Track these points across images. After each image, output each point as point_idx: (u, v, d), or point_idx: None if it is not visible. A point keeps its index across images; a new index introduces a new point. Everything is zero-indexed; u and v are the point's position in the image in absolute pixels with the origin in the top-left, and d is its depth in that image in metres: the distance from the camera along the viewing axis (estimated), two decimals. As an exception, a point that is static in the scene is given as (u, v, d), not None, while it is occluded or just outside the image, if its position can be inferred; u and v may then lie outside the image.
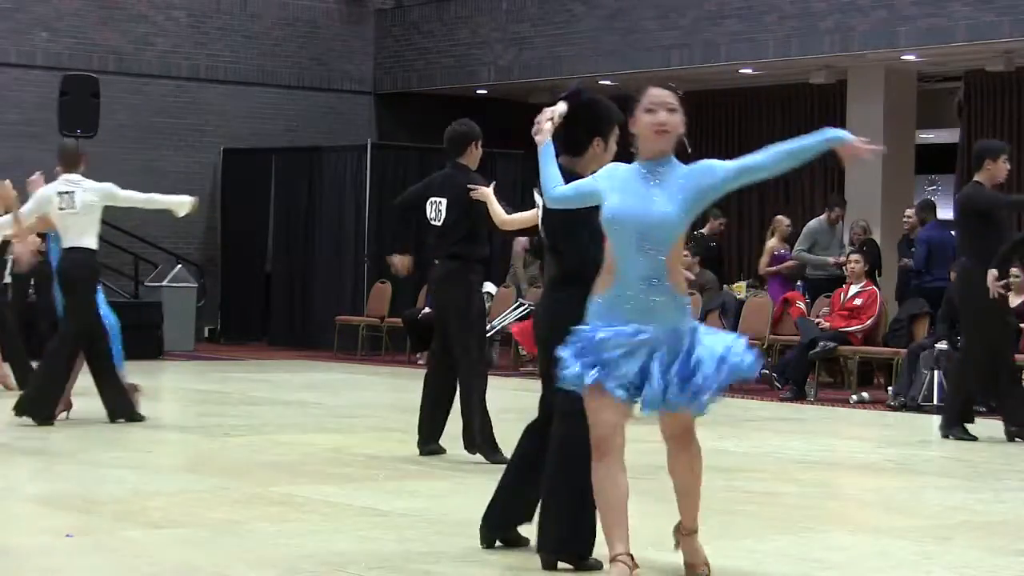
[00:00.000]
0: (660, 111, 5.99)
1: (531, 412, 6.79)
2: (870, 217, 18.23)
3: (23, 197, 12.37)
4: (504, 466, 7.00)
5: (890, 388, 15.00)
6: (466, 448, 9.76)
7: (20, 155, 20.57)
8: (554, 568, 6.36)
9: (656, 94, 6.03)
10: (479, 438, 9.68)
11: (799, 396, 15.35)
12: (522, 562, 6.52)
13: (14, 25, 21.16)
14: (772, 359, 16.63)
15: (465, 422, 9.75)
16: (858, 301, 15.67)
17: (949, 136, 21.00)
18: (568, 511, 6.33)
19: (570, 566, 6.36)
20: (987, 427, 11.92)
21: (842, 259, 16.76)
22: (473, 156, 10.13)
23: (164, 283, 20.16)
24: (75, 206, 11.69)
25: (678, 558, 6.78)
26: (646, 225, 5.79)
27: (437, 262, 10.01)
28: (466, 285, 9.88)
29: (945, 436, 11.74)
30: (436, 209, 9.92)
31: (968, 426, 11.81)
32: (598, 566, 6.32)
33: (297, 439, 10.91)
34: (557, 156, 6.35)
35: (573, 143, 6.42)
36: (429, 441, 9.99)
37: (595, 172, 6.14)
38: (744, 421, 13.55)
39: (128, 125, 21.63)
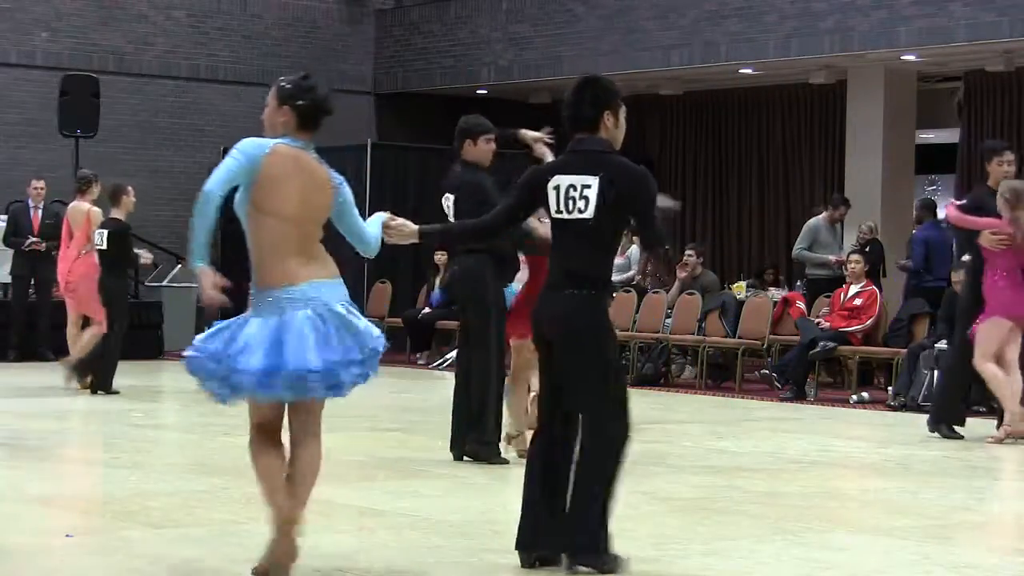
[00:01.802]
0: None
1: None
2: (870, 217, 18.22)
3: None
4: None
5: (890, 388, 14.99)
6: (460, 451, 9.74)
7: (20, 155, 20.60)
8: (571, 571, 6.30)
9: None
10: (490, 437, 9.64)
11: (799, 396, 15.35)
12: (520, 562, 6.51)
13: (14, 25, 21.16)
14: (772, 359, 16.64)
15: (475, 420, 9.64)
16: (858, 301, 15.67)
17: (949, 136, 21.00)
18: (596, 515, 6.27)
19: (589, 569, 6.29)
20: (988, 427, 11.92)
21: (843, 257, 16.77)
22: (473, 152, 9.86)
23: (164, 283, 20.16)
24: None
25: (679, 557, 6.78)
26: None
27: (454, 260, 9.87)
28: (480, 281, 9.68)
29: (933, 431, 11.81)
30: (447, 206, 9.74)
31: (956, 426, 11.86)
32: (616, 567, 6.28)
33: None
34: (570, 136, 6.42)
35: (584, 120, 6.41)
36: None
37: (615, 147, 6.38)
38: (744, 421, 13.56)
39: (128, 125, 21.63)
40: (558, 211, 6.33)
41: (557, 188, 6.33)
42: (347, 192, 6.35)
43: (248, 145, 6.14)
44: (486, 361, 9.63)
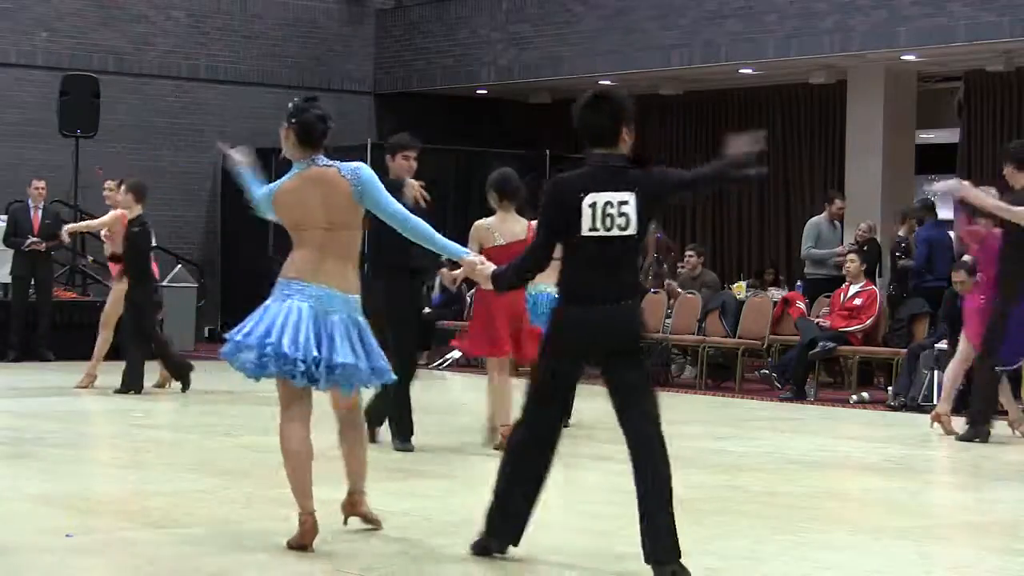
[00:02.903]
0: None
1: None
2: (870, 217, 18.22)
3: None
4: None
5: (890, 388, 14.99)
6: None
7: (20, 155, 20.60)
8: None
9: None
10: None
11: (799, 396, 15.34)
12: (523, 561, 6.52)
13: (14, 25, 21.16)
14: (772, 359, 16.64)
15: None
16: (858, 301, 15.66)
17: (949, 136, 20.99)
18: (672, 516, 6.33)
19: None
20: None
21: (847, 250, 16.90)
22: (392, 167, 10.33)
23: (164, 283, 20.14)
24: None
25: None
26: None
27: None
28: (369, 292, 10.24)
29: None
30: None
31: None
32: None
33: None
34: (588, 150, 6.46)
35: (606, 134, 6.43)
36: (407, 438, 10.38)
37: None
38: (744, 421, 13.56)
39: (128, 125, 21.63)
40: (593, 228, 6.32)
41: (593, 206, 6.31)
42: (364, 174, 6.87)
43: (263, 191, 7.00)
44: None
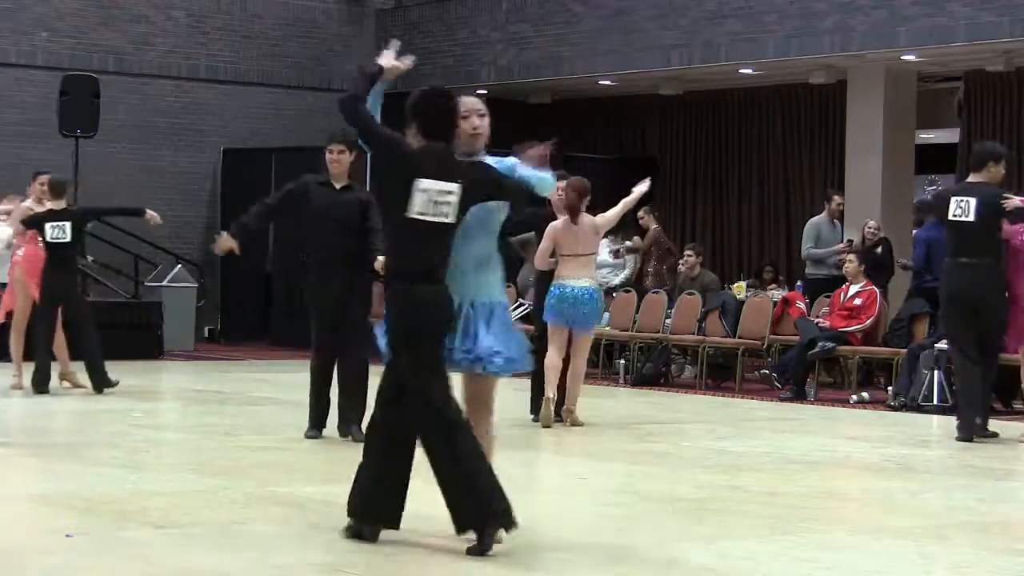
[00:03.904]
0: (473, 116, 6.86)
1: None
2: (870, 217, 18.22)
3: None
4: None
5: (890, 388, 14.99)
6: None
7: (20, 155, 20.60)
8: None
9: (470, 102, 6.90)
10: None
11: (799, 396, 15.34)
12: (523, 560, 6.52)
13: (14, 25, 21.17)
14: (772, 359, 16.64)
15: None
16: (858, 301, 15.66)
17: (949, 136, 21.00)
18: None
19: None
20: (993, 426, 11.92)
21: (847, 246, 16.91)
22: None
23: (164, 283, 20.16)
24: None
25: (679, 557, 6.78)
26: None
27: None
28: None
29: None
30: None
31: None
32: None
33: (297, 439, 10.91)
34: (428, 138, 6.85)
35: (452, 128, 6.86)
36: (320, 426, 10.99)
37: None
38: (744, 421, 13.56)
39: (128, 125, 21.64)
40: (422, 212, 6.65)
41: (426, 191, 6.65)
42: None
43: None
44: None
